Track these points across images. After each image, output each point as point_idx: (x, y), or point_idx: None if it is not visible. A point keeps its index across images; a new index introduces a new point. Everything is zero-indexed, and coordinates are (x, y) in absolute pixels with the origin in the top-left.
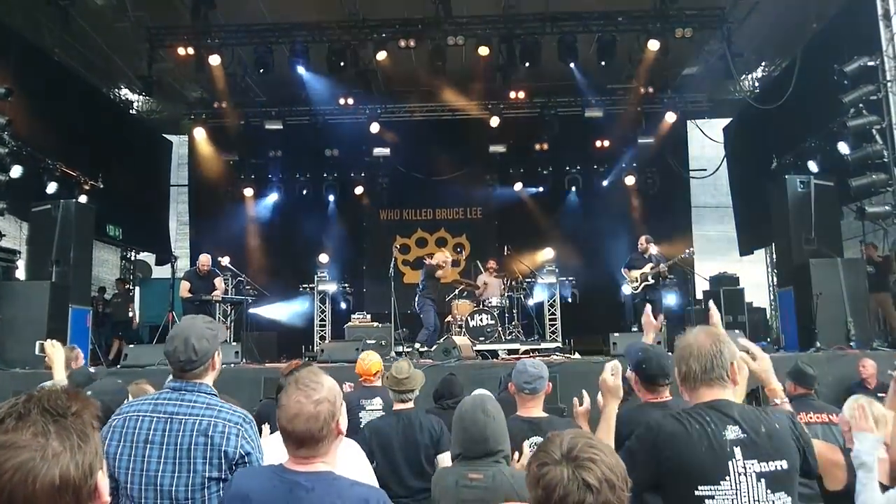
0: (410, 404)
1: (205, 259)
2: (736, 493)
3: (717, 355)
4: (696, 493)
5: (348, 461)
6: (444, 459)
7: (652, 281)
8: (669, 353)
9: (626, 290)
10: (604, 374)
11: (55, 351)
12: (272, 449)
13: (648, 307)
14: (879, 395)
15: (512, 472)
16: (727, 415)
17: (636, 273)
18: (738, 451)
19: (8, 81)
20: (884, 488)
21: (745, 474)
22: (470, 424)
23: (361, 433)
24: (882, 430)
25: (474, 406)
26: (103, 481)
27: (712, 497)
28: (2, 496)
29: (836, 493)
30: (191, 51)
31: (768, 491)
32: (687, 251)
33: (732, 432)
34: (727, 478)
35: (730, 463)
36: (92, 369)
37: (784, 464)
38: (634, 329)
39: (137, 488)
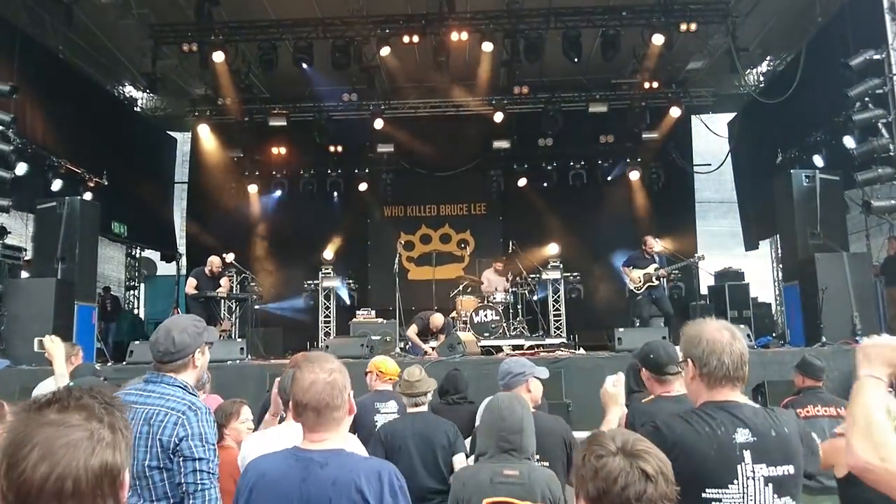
0: (424, 407)
1: (217, 262)
2: (743, 497)
3: (744, 354)
4: (704, 495)
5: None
6: (459, 461)
7: (656, 282)
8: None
9: (630, 286)
10: (605, 386)
11: (55, 346)
12: (272, 439)
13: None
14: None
15: (545, 471)
16: (737, 417)
17: (638, 273)
18: (747, 454)
19: (13, 79)
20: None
21: (754, 478)
22: (509, 414)
23: (376, 435)
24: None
25: (511, 399)
26: (128, 474)
27: (720, 500)
28: (53, 472)
29: (846, 478)
30: (195, 48)
31: (775, 496)
32: (696, 256)
33: (742, 435)
34: (735, 481)
35: (739, 466)
36: (97, 366)
37: (791, 469)
38: (637, 325)
39: None
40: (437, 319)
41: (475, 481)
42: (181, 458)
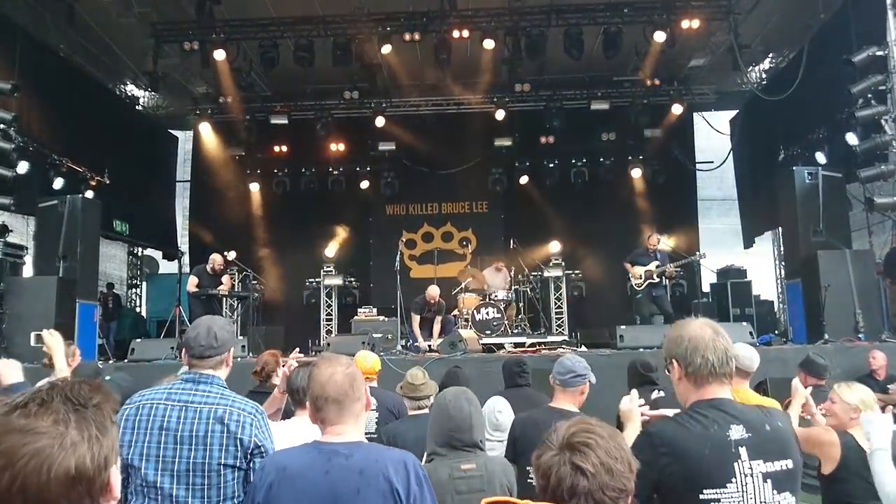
0: (426, 410)
1: (219, 259)
2: (742, 496)
3: (729, 350)
4: (702, 496)
5: None
6: None
7: (657, 280)
8: None
9: (633, 282)
10: (621, 406)
11: (54, 340)
12: (280, 436)
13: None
14: (889, 386)
15: (499, 460)
16: (730, 414)
17: (640, 270)
18: (743, 451)
19: (14, 78)
20: None
21: (752, 475)
22: (457, 413)
23: (378, 437)
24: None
25: (458, 395)
26: (115, 476)
27: (718, 500)
28: (15, 481)
29: (831, 475)
30: (196, 46)
31: (774, 492)
32: (697, 254)
33: (737, 432)
34: (733, 480)
35: (735, 464)
36: (100, 364)
37: (789, 463)
38: (638, 323)
39: (153, 474)
40: (433, 290)
41: (435, 479)
42: (261, 458)
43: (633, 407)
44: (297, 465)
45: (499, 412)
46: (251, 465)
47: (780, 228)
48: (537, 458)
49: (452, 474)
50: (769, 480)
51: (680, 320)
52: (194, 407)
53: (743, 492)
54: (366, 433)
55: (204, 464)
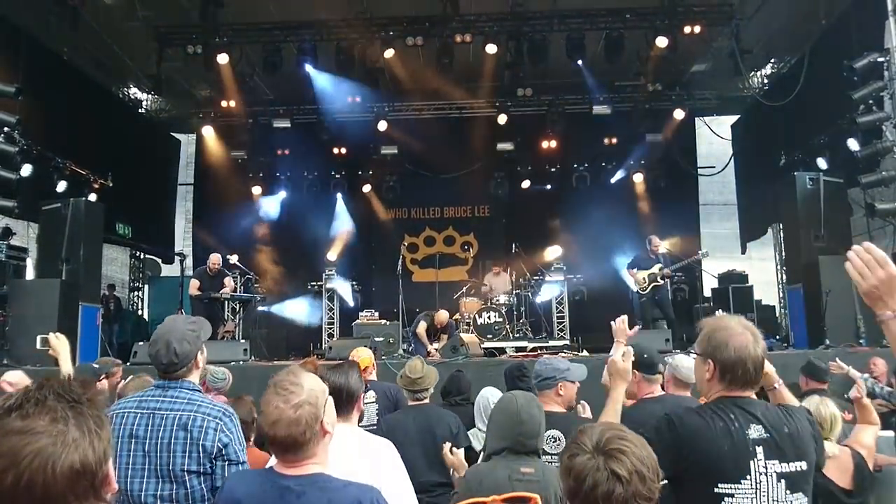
0: (427, 401)
1: (215, 258)
2: (756, 493)
3: (764, 356)
4: (716, 490)
5: (385, 465)
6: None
7: (661, 282)
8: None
9: (634, 288)
10: (613, 356)
11: (60, 343)
12: None
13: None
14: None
15: (555, 469)
16: (751, 413)
17: (643, 274)
18: (760, 450)
19: (18, 81)
20: (846, 493)
21: (766, 474)
22: (528, 418)
23: (378, 428)
24: (833, 432)
25: (529, 402)
26: (112, 469)
27: (732, 495)
28: (20, 480)
29: (850, 491)
30: (199, 50)
31: (787, 491)
32: (700, 252)
33: (756, 431)
34: (748, 477)
35: (751, 462)
36: (95, 365)
37: (804, 465)
38: (639, 326)
39: (124, 481)
40: (442, 316)
41: (493, 479)
42: (227, 463)
43: (628, 366)
44: (249, 498)
45: (492, 398)
46: (218, 468)
47: (781, 234)
48: (569, 459)
49: (512, 476)
50: (783, 480)
51: (720, 317)
52: (161, 414)
53: (756, 489)
54: (368, 425)
55: (169, 470)
